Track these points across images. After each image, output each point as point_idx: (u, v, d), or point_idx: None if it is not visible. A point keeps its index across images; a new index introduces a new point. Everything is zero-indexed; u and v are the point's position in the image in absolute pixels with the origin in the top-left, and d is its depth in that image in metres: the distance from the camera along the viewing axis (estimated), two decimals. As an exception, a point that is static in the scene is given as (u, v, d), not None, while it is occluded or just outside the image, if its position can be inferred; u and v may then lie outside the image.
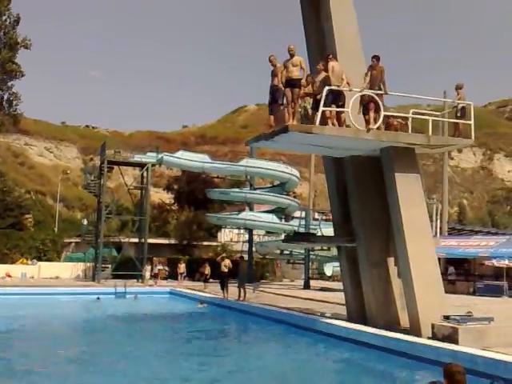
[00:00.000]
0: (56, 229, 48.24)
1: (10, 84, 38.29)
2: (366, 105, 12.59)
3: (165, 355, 12.24)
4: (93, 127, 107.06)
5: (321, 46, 14.60)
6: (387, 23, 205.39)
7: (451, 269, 28.95)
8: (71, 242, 42.92)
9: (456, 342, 10.86)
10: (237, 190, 35.36)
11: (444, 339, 11.13)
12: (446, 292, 13.80)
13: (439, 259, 16.76)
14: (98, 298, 23.53)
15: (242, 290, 20.65)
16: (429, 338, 11.57)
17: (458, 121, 13.42)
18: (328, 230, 21.18)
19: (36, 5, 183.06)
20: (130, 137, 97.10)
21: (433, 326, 11.66)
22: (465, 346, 10.52)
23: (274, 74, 12.65)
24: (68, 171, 65.98)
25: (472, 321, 11.61)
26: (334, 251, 24.40)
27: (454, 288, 26.19)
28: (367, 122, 12.51)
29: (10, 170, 60.35)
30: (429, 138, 12.91)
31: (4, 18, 37.36)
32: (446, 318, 11.67)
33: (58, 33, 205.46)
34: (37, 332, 15.39)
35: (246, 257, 31.20)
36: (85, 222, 38.99)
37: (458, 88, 13.51)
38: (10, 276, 31.21)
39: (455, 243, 30.33)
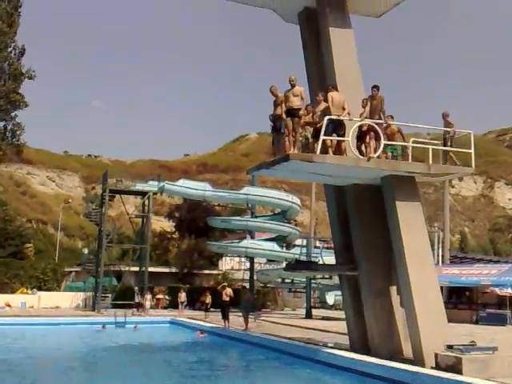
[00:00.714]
0: (56, 258, 48.10)
1: (13, 114, 38.65)
2: (364, 133, 12.73)
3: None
4: (95, 156, 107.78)
5: (320, 74, 14.82)
6: (387, 50, 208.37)
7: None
8: (71, 271, 42.76)
9: (460, 372, 10.73)
10: (238, 217, 35.37)
11: (447, 369, 10.99)
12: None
13: (442, 288, 16.65)
14: (104, 327, 23.13)
15: (245, 319, 20.47)
16: (432, 368, 11.44)
17: (459, 149, 13.48)
18: (329, 259, 21.11)
19: (39, 35, 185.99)
20: (131, 165, 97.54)
21: (436, 356, 11.54)
22: (469, 377, 10.38)
23: (276, 104, 12.82)
24: (69, 200, 66.13)
25: (476, 350, 11.48)
26: (336, 279, 24.26)
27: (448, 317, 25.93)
28: (360, 150, 12.63)
29: (11, 199, 60.58)
30: (429, 166, 12.98)
31: (9, 49, 37.92)
32: (450, 347, 11.55)
33: (61, 63, 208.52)
34: (28, 363, 15.11)
35: (247, 285, 31.01)
36: (85, 250, 38.94)
37: (447, 116, 13.71)
38: (9, 306, 30.98)
39: (457, 271, 30.19)
